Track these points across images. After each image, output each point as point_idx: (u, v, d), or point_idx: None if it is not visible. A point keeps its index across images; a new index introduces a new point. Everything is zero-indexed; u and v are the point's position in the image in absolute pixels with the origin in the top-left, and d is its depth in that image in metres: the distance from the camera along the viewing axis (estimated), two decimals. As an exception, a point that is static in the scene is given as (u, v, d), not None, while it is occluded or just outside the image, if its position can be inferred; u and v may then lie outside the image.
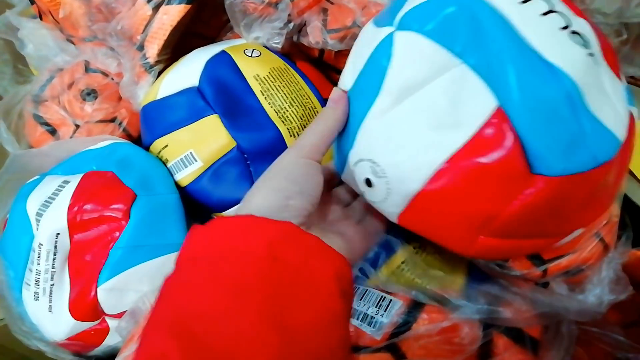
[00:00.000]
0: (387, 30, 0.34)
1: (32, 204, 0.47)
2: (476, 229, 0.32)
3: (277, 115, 0.48)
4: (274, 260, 0.27)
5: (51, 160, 0.54)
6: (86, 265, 0.46)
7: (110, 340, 0.50)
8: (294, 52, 0.56)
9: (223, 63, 0.49)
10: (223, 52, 0.50)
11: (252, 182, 0.49)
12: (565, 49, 0.30)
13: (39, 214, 0.46)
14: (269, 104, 0.48)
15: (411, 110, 0.32)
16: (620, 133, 0.31)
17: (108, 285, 0.46)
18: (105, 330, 0.49)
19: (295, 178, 0.33)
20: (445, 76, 0.31)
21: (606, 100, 0.31)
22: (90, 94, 0.58)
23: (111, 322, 0.48)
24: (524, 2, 0.31)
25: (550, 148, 0.29)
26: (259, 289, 0.26)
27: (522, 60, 0.29)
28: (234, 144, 0.47)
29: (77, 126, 0.58)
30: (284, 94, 0.49)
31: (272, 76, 0.49)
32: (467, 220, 0.32)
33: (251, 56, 0.50)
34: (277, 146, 0.47)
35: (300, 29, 0.52)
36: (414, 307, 0.40)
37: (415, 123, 0.32)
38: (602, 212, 0.37)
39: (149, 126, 0.51)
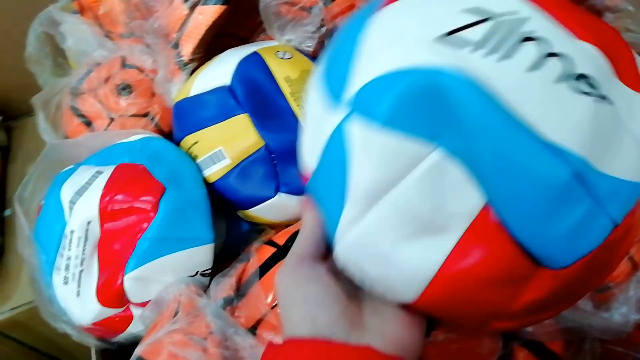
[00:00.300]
0: (336, 117, 0.28)
1: (67, 191, 0.49)
2: (486, 320, 0.29)
3: (306, 117, 0.49)
4: None
5: (85, 150, 0.56)
6: (114, 253, 0.48)
7: (133, 328, 0.51)
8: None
9: (255, 64, 0.50)
10: (255, 53, 0.51)
11: (277, 182, 0.50)
12: (566, 113, 0.25)
13: (72, 202, 0.48)
14: (298, 106, 0.49)
15: (384, 217, 0.27)
16: None
17: (134, 275, 0.47)
18: (129, 318, 0.50)
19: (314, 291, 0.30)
20: (418, 170, 0.25)
21: (624, 139, 0.26)
22: (126, 88, 0.60)
23: (135, 310, 0.50)
24: (503, 58, 0.25)
25: (556, 242, 0.25)
26: None
27: (512, 142, 0.24)
28: (262, 143, 0.48)
29: (112, 119, 0.60)
30: (314, 96, 0.50)
31: (302, 79, 0.50)
32: (472, 317, 0.30)
33: (283, 58, 0.51)
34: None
35: (332, 33, 0.53)
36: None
37: (392, 233, 0.27)
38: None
39: (180, 122, 0.53)
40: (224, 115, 0.49)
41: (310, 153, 0.31)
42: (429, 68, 0.25)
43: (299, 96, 0.49)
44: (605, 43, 0.28)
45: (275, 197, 0.50)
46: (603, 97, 0.25)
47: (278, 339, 0.44)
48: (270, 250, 0.49)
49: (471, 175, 0.25)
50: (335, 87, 0.29)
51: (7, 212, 0.86)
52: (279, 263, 0.48)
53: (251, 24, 0.62)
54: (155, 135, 0.57)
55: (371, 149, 0.26)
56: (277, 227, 0.56)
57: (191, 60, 0.53)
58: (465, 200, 0.25)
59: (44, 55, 0.65)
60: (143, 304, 0.49)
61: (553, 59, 0.25)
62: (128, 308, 0.50)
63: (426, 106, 0.25)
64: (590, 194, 0.25)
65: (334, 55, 0.31)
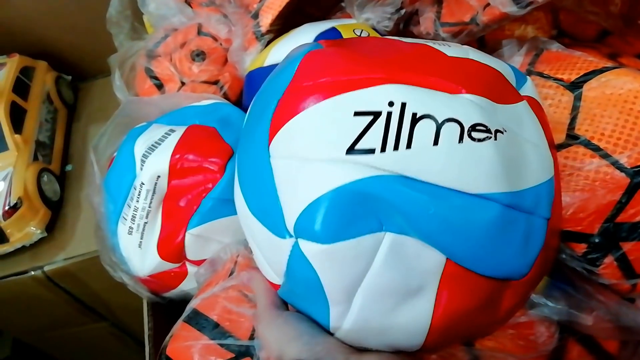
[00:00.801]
0: (287, 243, 0.31)
1: (140, 146, 0.51)
2: (480, 333, 0.36)
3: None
4: None
5: (157, 110, 0.58)
6: (179, 209, 0.49)
7: (186, 285, 0.53)
8: (401, 35, 0.57)
9: (332, 39, 0.51)
10: (333, 28, 0.52)
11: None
12: (477, 164, 0.28)
13: (144, 156, 0.50)
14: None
15: (367, 302, 0.30)
16: (549, 158, 0.32)
17: (196, 232, 0.49)
18: (184, 274, 0.52)
19: None
20: (379, 256, 0.28)
21: (525, 149, 0.31)
22: (200, 55, 0.62)
23: (190, 268, 0.51)
24: (407, 146, 0.28)
25: (513, 260, 0.29)
26: None
27: (444, 207, 0.28)
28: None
29: (183, 83, 0.62)
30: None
31: (376, 57, 0.50)
32: (470, 335, 0.35)
33: (360, 36, 0.52)
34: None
35: (411, 16, 0.53)
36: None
37: (378, 310, 0.30)
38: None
39: (253, 90, 0.54)
40: (298, 86, 0.50)
41: (271, 270, 0.34)
42: (349, 183, 0.28)
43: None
44: (473, 81, 0.31)
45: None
46: (497, 132, 0.29)
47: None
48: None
49: (424, 242, 0.28)
50: (273, 222, 0.31)
51: (69, 167, 0.90)
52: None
53: (326, 2, 0.62)
54: (226, 101, 0.59)
55: (330, 261, 0.29)
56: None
57: (268, 32, 0.54)
58: (428, 262, 0.28)
59: (123, 17, 0.67)
60: (198, 262, 0.51)
61: (447, 125, 0.28)
62: (184, 264, 0.52)
63: (360, 211, 0.28)
64: (522, 211, 0.29)
65: (254, 191, 0.34)
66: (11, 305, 0.85)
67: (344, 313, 0.31)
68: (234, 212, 0.49)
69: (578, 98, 0.38)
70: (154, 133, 0.52)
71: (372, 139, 0.28)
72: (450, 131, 0.28)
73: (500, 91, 0.32)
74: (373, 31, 0.53)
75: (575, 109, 0.38)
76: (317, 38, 0.51)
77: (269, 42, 0.56)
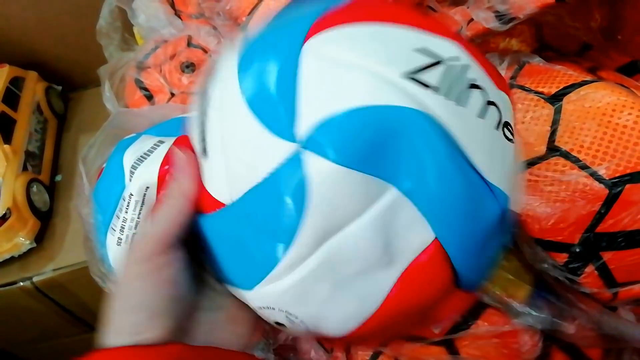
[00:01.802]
0: (288, 147, 0.25)
1: (129, 157, 0.51)
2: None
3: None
4: None
5: (146, 121, 0.58)
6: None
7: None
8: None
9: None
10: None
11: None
12: (501, 158, 0.27)
13: (134, 167, 0.50)
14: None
15: (333, 256, 0.25)
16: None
17: (184, 242, 0.49)
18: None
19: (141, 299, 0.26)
20: (374, 209, 0.25)
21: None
22: (189, 66, 0.62)
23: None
24: (458, 103, 0.25)
25: (480, 270, 0.28)
26: None
27: (463, 184, 0.25)
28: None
29: (172, 95, 0.62)
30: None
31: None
32: (391, 334, 0.33)
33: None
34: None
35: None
36: (477, 307, 0.41)
37: (339, 272, 0.26)
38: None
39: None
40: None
41: (225, 182, 0.27)
42: (392, 108, 0.24)
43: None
44: (504, 82, 0.29)
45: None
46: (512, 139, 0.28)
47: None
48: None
49: (422, 214, 0.25)
50: (276, 120, 0.26)
51: (58, 178, 0.90)
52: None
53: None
54: (215, 113, 0.59)
55: (333, 187, 0.24)
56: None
57: (257, 44, 0.55)
58: (415, 236, 0.25)
59: (113, 29, 0.68)
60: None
61: (492, 107, 0.26)
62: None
63: (386, 146, 0.24)
64: (508, 223, 0.28)
65: (260, 83, 0.27)
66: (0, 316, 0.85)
67: (300, 261, 0.25)
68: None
69: (558, 111, 0.39)
70: (143, 144, 0.52)
71: (431, 77, 0.25)
72: (493, 114, 0.27)
73: (504, 82, 0.31)
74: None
75: (555, 122, 0.38)
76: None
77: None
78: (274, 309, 0.27)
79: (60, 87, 1.02)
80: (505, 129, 0.27)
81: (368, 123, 0.24)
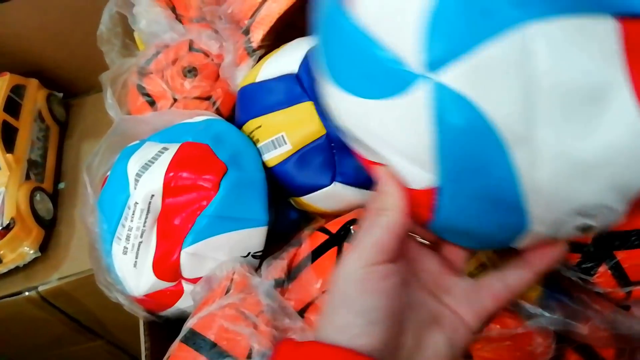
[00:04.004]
0: (421, 89, 0.23)
1: (133, 165, 0.50)
2: None
3: (369, 109, 0.49)
4: None
5: (150, 128, 0.58)
6: (173, 228, 0.49)
7: (182, 304, 0.52)
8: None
9: (324, 54, 0.51)
10: (324, 43, 0.52)
11: (334, 171, 0.51)
12: None
13: (138, 175, 0.49)
14: (362, 97, 0.50)
15: (556, 119, 0.22)
16: None
17: (191, 250, 0.48)
18: (180, 293, 0.52)
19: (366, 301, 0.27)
20: (539, 48, 0.22)
21: None
22: (191, 71, 0.62)
23: (186, 286, 0.51)
24: None
25: None
26: None
27: None
28: (324, 131, 0.49)
29: (175, 100, 0.62)
30: (378, 89, 0.50)
31: (368, 71, 0.51)
32: None
33: (351, 50, 0.52)
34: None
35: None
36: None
37: (576, 128, 0.23)
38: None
39: (245, 106, 0.54)
40: (289, 101, 0.50)
41: (413, 163, 0.26)
42: None
43: (364, 88, 0.50)
44: None
45: (331, 186, 0.51)
46: None
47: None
48: (323, 237, 0.50)
49: (580, 14, 0.21)
50: (386, 78, 0.24)
51: (61, 185, 0.89)
52: (331, 250, 0.48)
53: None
54: (218, 117, 0.59)
55: (483, 81, 0.22)
56: (328, 216, 0.57)
57: (260, 47, 0.55)
58: (597, 35, 0.22)
59: (114, 35, 0.67)
60: (194, 280, 0.50)
61: None
62: (180, 283, 0.51)
63: None
64: None
65: (346, 65, 0.27)
66: (6, 327, 0.84)
67: (532, 155, 0.22)
68: (229, 229, 0.50)
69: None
70: (147, 151, 0.52)
71: None
72: None
73: None
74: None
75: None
76: (309, 53, 0.51)
77: (260, 58, 0.56)
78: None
79: (61, 94, 1.02)
80: None
81: None
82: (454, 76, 0.22)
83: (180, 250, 0.49)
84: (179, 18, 0.66)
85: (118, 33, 0.68)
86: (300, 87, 0.50)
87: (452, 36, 0.22)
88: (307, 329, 0.44)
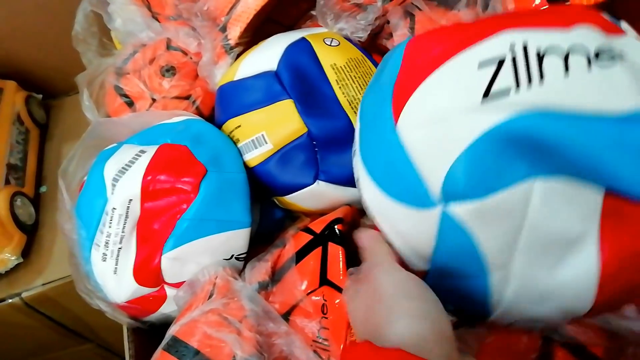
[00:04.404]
0: (436, 211, 0.31)
1: (110, 169, 0.49)
2: None
3: (350, 105, 0.48)
4: None
5: (127, 130, 0.56)
6: (153, 233, 0.48)
7: (166, 308, 0.51)
8: (370, 46, 0.56)
9: (302, 50, 0.50)
10: (303, 39, 0.51)
11: (317, 170, 0.50)
12: (616, 86, 0.28)
13: (115, 179, 0.48)
14: (343, 93, 0.48)
15: (530, 259, 0.30)
16: None
17: (172, 255, 0.47)
18: (163, 298, 0.51)
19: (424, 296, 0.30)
20: (534, 203, 0.28)
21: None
22: (169, 70, 0.60)
23: (169, 291, 0.50)
24: (540, 80, 0.28)
25: None
26: None
27: (597, 134, 0.27)
28: (305, 130, 0.48)
29: (154, 100, 0.60)
30: (359, 84, 0.49)
31: (348, 66, 0.50)
32: None
33: (330, 45, 0.51)
34: (347, 136, 0.47)
35: (382, 28, 0.52)
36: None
37: (543, 268, 0.30)
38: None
39: (224, 106, 0.53)
40: (269, 100, 0.49)
41: (415, 255, 0.34)
42: (492, 128, 0.28)
43: (345, 84, 0.49)
44: (580, 16, 0.31)
45: (314, 184, 0.50)
46: (620, 56, 0.28)
47: (312, 326, 0.44)
48: (307, 237, 0.49)
49: (576, 179, 0.27)
50: (416, 196, 0.32)
51: (43, 189, 0.88)
52: (315, 250, 0.47)
53: (296, 11, 0.61)
54: (197, 117, 0.57)
55: (484, 218, 0.29)
56: (312, 215, 0.56)
57: (237, 44, 0.53)
58: (583, 201, 0.27)
59: (90, 34, 0.66)
60: (177, 285, 0.49)
61: (572, 55, 0.28)
62: (162, 288, 0.50)
63: (507, 156, 0.28)
64: None
65: (388, 175, 0.35)
66: (-10, 335, 0.83)
67: (505, 278, 0.30)
68: (211, 232, 0.48)
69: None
70: (124, 155, 0.50)
71: (505, 80, 0.28)
72: (576, 61, 0.28)
73: (605, 24, 0.31)
74: (344, 39, 0.53)
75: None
76: (287, 49, 0.50)
77: (239, 55, 0.55)
78: (521, 314, 0.33)
79: (40, 96, 1.00)
80: (599, 58, 0.28)
81: (481, 152, 0.28)
82: (461, 210, 0.29)
83: (161, 255, 0.48)
84: (155, 16, 0.64)
85: (94, 32, 0.66)
86: (280, 84, 0.49)
87: (470, 183, 0.29)
88: (292, 332, 0.43)
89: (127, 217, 0.48)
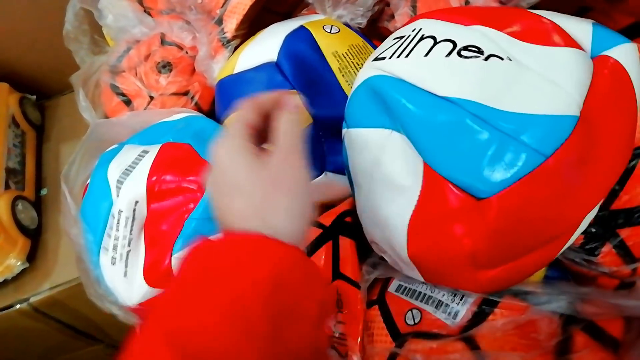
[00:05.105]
0: (343, 132, 0.42)
1: (113, 171, 0.48)
2: (470, 267, 0.34)
3: (355, 94, 0.47)
4: (276, 288, 0.26)
5: (127, 130, 0.55)
6: (162, 234, 0.47)
7: (178, 308, 0.51)
8: (369, 31, 0.55)
9: (302, 38, 0.49)
10: (302, 27, 0.50)
11: (324, 160, 0.49)
12: (455, 74, 0.32)
13: (119, 182, 0.47)
14: (347, 81, 0.47)
15: (377, 186, 0.36)
16: (572, 104, 0.30)
17: (182, 254, 0.47)
18: (175, 298, 0.50)
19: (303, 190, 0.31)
20: (388, 147, 0.35)
21: (536, 83, 0.31)
22: (166, 66, 0.59)
23: (181, 290, 0.49)
24: (407, 55, 0.35)
25: (478, 174, 0.30)
26: (258, 315, 0.25)
27: (420, 106, 0.33)
28: (310, 120, 0.47)
29: (152, 98, 0.59)
30: (363, 72, 0.48)
31: (350, 53, 0.48)
32: (456, 264, 0.34)
33: (330, 32, 0.49)
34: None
35: (381, 13, 0.51)
36: (491, 299, 0.39)
37: (378, 199, 0.37)
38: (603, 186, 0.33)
39: (225, 100, 0.52)
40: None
41: None
42: (366, 79, 0.38)
43: (348, 71, 0.48)
44: (500, 20, 0.35)
45: (322, 176, 0.49)
46: (492, 56, 0.32)
47: (338, 326, 0.44)
48: (316, 231, 0.48)
49: (410, 141, 0.33)
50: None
51: (43, 192, 0.87)
52: (326, 244, 0.47)
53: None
54: (197, 113, 0.56)
55: (352, 143, 0.39)
56: (318, 208, 0.55)
57: (235, 37, 0.52)
58: (412, 161, 0.33)
59: (81, 32, 0.64)
60: (188, 284, 0.49)
61: (442, 43, 0.34)
62: (174, 288, 0.50)
63: (374, 104, 0.36)
64: (495, 127, 0.30)
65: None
66: (0, 341, 0.82)
67: (363, 197, 0.39)
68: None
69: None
70: (126, 156, 0.50)
71: (388, 51, 0.37)
72: (441, 47, 0.34)
73: (536, 33, 0.34)
74: (343, 26, 0.51)
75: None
76: (287, 38, 0.49)
77: (236, 48, 0.54)
78: (372, 243, 0.43)
79: (34, 97, 0.98)
80: (463, 51, 0.33)
81: (360, 93, 0.39)
82: (345, 133, 0.42)
83: (171, 255, 0.47)
84: (147, 11, 0.62)
85: (85, 30, 0.64)
86: (282, 75, 0.48)
87: (350, 115, 0.41)
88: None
89: (134, 219, 0.47)
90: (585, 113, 0.30)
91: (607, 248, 0.37)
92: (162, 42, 0.61)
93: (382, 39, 0.55)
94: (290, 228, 0.29)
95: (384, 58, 0.37)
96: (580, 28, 0.34)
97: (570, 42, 0.33)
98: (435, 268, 0.36)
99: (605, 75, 0.32)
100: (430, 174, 0.32)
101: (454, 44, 0.34)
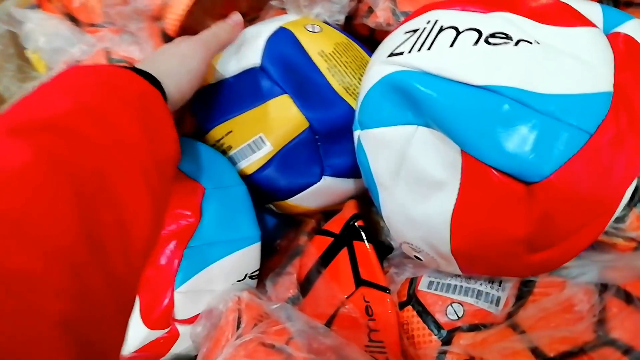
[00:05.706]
0: (356, 134, 0.40)
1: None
2: (522, 252, 0.33)
3: (347, 92, 0.45)
4: (143, 106, 0.32)
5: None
6: (159, 269, 0.42)
7: (178, 347, 0.46)
8: (345, 30, 0.53)
9: (285, 40, 0.46)
10: (282, 28, 0.47)
11: (321, 165, 0.46)
12: (488, 62, 0.31)
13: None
14: (337, 81, 0.45)
15: (406, 185, 0.36)
16: (604, 80, 0.31)
17: (184, 289, 0.42)
18: (174, 337, 0.45)
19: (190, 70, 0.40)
20: (414, 143, 0.34)
21: (567, 63, 0.31)
22: (119, 85, 0.53)
23: (181, 328, 0.45)
24: (428, 48, 0.34)
25: (525, 158, 0.30)
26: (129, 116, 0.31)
27: (454, 98, 0.31)
28: (306, 124, 0.44)
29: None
30: (352, 69, 0.46)
31: (337, 52, 0.46)
32: (507, 251, 0.33)
33: (313, 32, 0.47)
34: (349, 124, 0.44)
35: (357, 10, 0.50)
36: (529, 279, 0.39)
37: (414, 198, 0.35)
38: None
39: (205, 112, 0.47)
40: (261, 98, 0.44)
41: None
42: (384, 77, 0.36)
43: (337, 71, 0.45)
44: (516, 4, 0.34)
45: (320, 181, 0.47)
46: (522, 41, 0.32)
47: (361, 332, 0.41)
48: (327, 240, 0.46)
49: (443, 133, 0.32)
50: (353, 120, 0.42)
51: None
52: (341, 251, 0.44)
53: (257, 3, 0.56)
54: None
55: (373, 144, 0.38)
56: (314, 215, 0.52)
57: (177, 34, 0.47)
58: (448, 154, 0.32)
59: (6, 57, 0.56)
60: (190, 320, 0.44)
61: (466, 32, 0.33)
62: (173, 326, 0.45)
63: (394, 102, 0.35)
64: (538, 111, 0.30)
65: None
66: None
67: (389, 198, 0.38)
68: (223, 255, 0.44)
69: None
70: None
71: (405, 46, 0.35)
72: (467, 37, 0.33)
73: (554, 15, 0.33)
74: (325, 25, 0.49)
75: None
76: (268, 41, 0.46)
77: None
78: (403, 243, 0.40)
79: None
80: (490, 39, 0.32)
81: (377, 92, 0.37)
82: (362, 135, 0.39)
83: (173, 292, 0.42)
84: (82, 27, 0.55)
85: (11, 55, 0.56)
86: (269, 79, 0.44)
87: (366, 114, 0.39)
88: (346, 343, 0.40)
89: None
90: (616, 87, 0.31)
91: (633, 214, 0.38)
92: (109, 59, 0.55)
93: (359, 37, 0.54)
94: (170, 79, 0.38)
95: (401, 53, 0.35)
96: (589, 8, 0.35)
97: (585, 21, 0.34)
98: (481, 258, 0.35)
99: (623, 50, 0.33)
100: (470, 163, 0.31)
101: (479, 32, 0.33)
